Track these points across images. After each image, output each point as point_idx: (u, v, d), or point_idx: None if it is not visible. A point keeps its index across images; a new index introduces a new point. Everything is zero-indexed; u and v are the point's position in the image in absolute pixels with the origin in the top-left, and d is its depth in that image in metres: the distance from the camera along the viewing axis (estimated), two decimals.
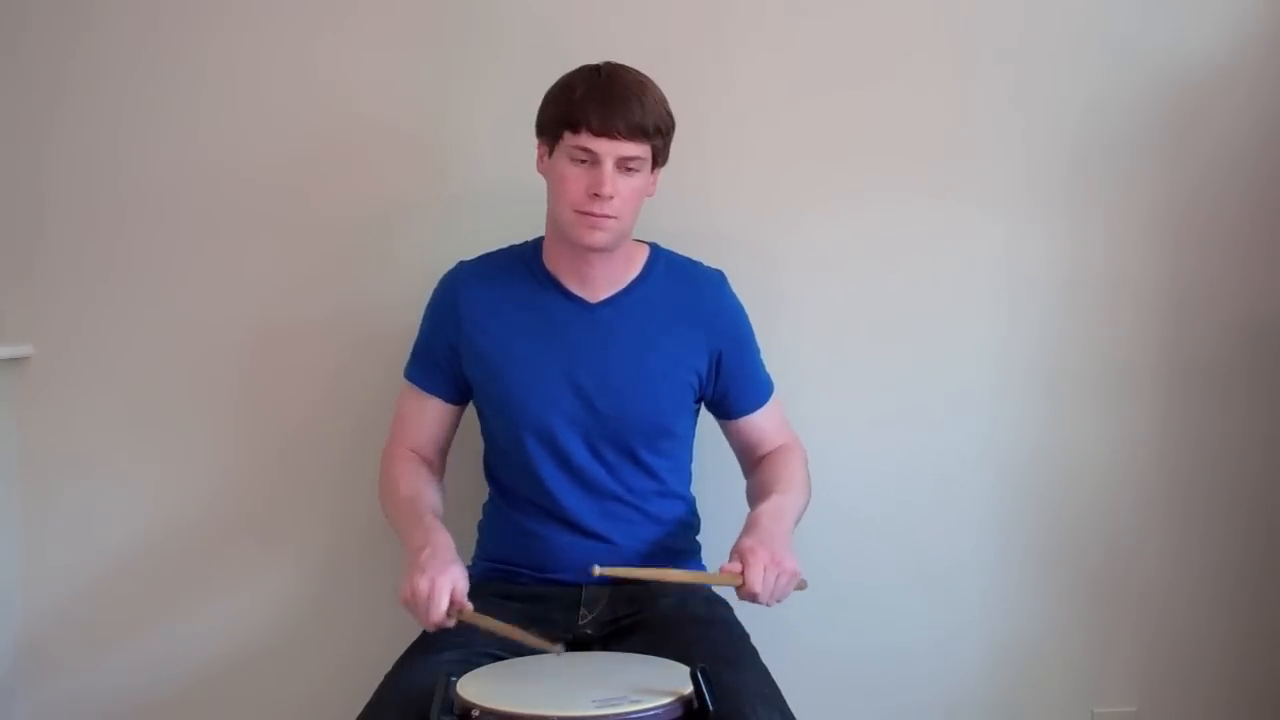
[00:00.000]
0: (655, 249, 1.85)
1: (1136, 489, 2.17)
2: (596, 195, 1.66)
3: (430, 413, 1.84)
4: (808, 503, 1.79)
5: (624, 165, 1.67)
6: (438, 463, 1.86)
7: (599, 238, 1.70)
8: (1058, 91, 2.11)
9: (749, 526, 1.65)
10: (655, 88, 1.71)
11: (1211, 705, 2.20)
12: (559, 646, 1.54)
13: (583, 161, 1.67)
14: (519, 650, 1.64)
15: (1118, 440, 2.16)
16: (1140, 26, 2.11)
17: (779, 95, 2.08)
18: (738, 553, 1.58)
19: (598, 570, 1.54)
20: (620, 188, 1.67)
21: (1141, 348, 2.15)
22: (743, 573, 1.55)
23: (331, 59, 2.04)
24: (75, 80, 2.01)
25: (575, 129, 1.66)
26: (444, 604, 1.54)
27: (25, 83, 2.00)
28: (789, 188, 2.09)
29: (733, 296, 1.86)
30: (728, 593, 1.66)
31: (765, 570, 1.55)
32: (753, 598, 1.56)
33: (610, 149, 1.66)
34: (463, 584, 1.57)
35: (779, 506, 1.70)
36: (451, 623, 1.56)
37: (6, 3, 1.99)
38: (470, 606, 1.56)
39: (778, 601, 1.58)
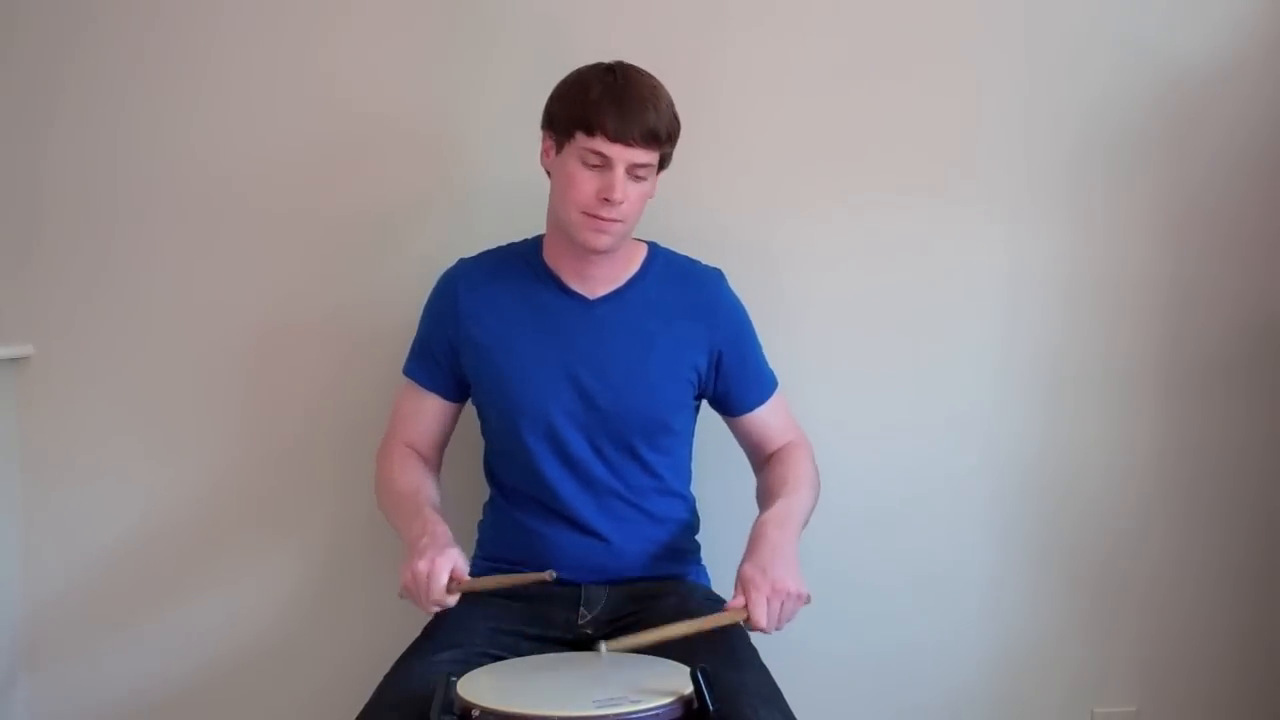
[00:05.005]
0: (653, 247, 1.85)
1: (1137, 489, 2.17)
2: (607, 200, 1.66)
3: (429, 409, 1.84)
4: (817, 499, 1.79)
5: (634, 172, 1.67)
6: (435, 460, 1.87)
7: (604, 241, 1.70)
8: (1059, 91, 2.11)
9: (752, 544, 1.64)
10: (666, 92, 1.71)
11: (1212, 705, 2.20)
12: (550, 572, 1.56)
13: (595, 166, 1.67)
14: (519, 650, 1.65)
15: (1118, 440, 2.16)
16: (1142, 27, 2.11)
17: (779, 94, 2.08)
18: (740, 581, 1.58)
19: (604, 648, 1.51)
20: (629, 193, 1.67)
21: (1142, 348, 2.15)
22: (746, 606, 1.55)
23: (332, 55, 2.03)
24: (74, 79, 2.00)
25: (590, 132, 1.65)
26: (444, 580, 1.54)
27: (24, 82, 2.00)
28: (788, 187, 2.09)
29: (731, 294, 1.86)
30: (729, 590, 1.65)
31: (769, 601, 1.55)
32: (759, 630, 1.56)
33: (624, 155, 1.65)
34: (462, 563, 1.58)
35: (783, 513, 1.69)
36: (453, 601, 1.57)
37: (5, 2, 1.99)
38: (469, 578, 1.57)
39: (786, 624, 1.58)
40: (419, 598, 1.56)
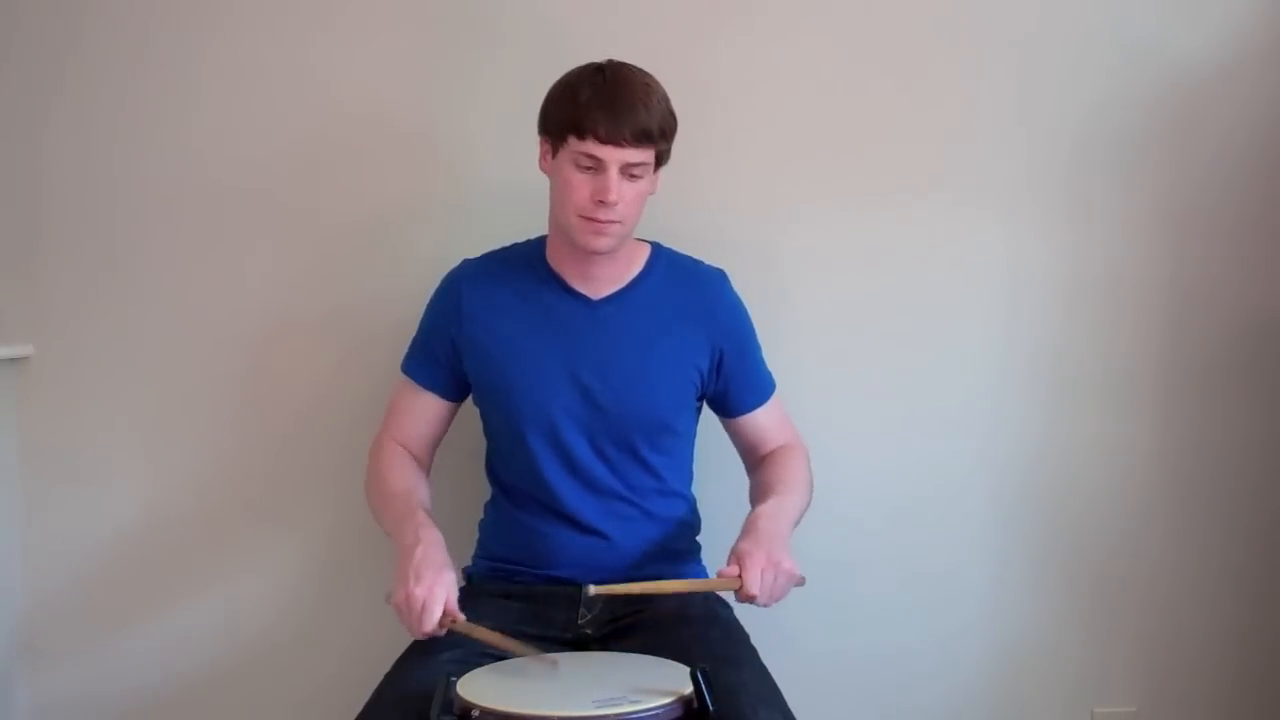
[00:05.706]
0: (656, 247, 1.85)
1: (1136, 489, 2.17)
2: (602, 202, 1.66)
3: (425, 407, 1.84)
4: (809, 502, 1.79)
5: (629, 171, 1.67)
6: (426, 459, 1.87)
7: (603, 243, 1.70)
8: (1058, 91, 2.11)
9: (747, 528, 1.65)
10: (659, 88, 1.70)
11: (1211, 705, 2.20)
12: (553, 657, 1.57)
13: (589, 169, 1.66)
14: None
15: (1117, 440, 2.16)
16: (1142, 27, 2.11)
17: (780, 94, 2.08)
18: (735, 555, 1.59)
19: (593, 590, 1.54)
20: (625, 193, 1.67)
21: (1141, 348, 2.15)
22: (740, 575, 1.55)
23: (332, 56, 2.03)
24: (74, 79, 2.00)
25: (581, 135, 1.65)
26: (437, 614, 1.55)
27: (24, 82, 2.00)
28: (790, 187, 2.09)
29: (734, 295, 1.86)
30: (728, 593, 1.66)
31: (763, 572, 1.55)
32: (751, 599, 1.56)
33: (616, 156, 1.65)
34: (454, 594, 1.58)
35: (778, 507, 1.70)
36: (442, 632, 1.57)
37: (5, 1, 1.99)
38: (463, 618, 1.57)
39: (776, 601, 1.58)
40: (409, 623, 1.57)
